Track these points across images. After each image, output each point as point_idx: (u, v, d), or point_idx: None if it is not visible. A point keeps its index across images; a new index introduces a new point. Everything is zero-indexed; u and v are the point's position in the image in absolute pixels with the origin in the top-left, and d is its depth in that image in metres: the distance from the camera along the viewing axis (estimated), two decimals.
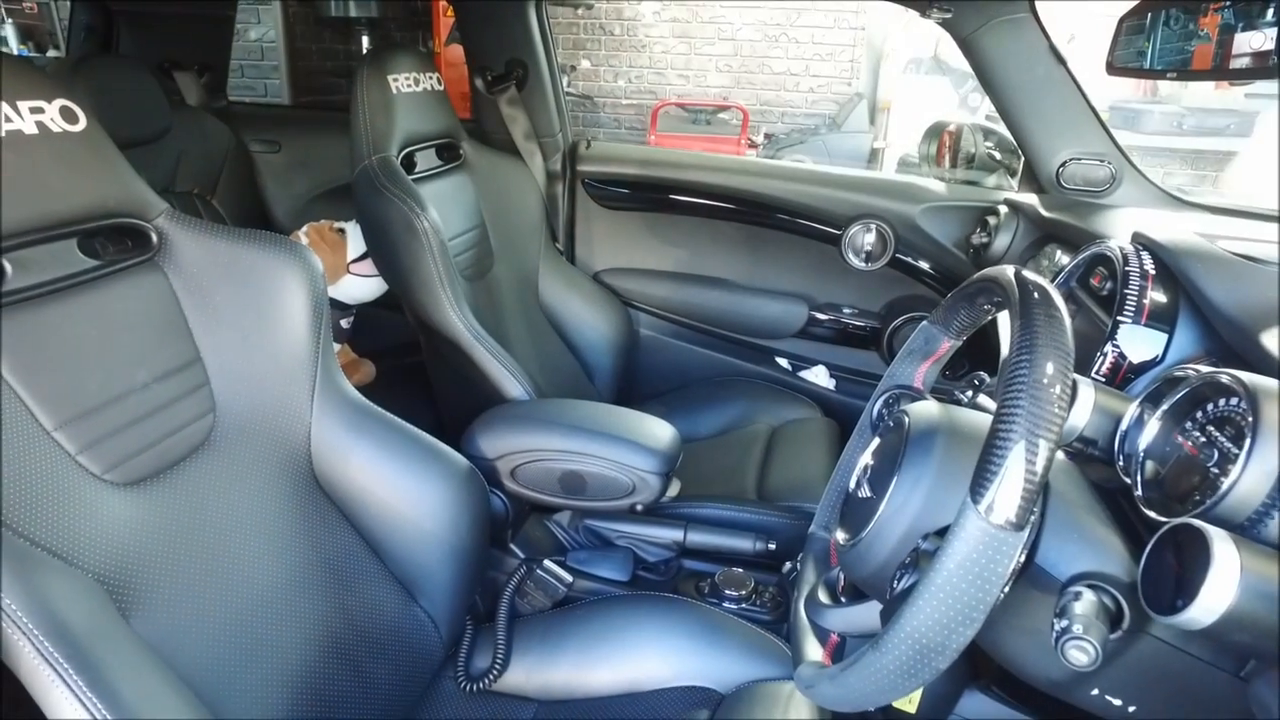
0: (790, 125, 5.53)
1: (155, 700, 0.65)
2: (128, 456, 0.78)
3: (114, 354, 0.80)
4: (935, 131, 1.96)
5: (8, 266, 0.72)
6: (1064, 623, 0.53)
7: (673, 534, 1.36)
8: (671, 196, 1.93)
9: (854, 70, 5.41)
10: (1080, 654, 0.51)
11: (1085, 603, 0.53)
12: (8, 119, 0.71)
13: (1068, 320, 0.53)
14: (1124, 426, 0.66)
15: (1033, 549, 0.58)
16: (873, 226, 1.79)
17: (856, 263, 1.82)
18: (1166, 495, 0.61)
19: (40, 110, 0.75)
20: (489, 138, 1.86)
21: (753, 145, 4.86)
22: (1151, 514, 0.60)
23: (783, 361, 1.97)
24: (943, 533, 0.52)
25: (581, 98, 5.59)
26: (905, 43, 5.19)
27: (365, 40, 4.90)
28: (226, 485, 0.87)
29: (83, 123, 0.79)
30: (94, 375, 0.77)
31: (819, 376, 1.93)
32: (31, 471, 0.69)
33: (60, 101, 0.77)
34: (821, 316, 1.92)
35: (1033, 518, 0.48)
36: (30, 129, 0.73)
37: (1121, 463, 0.66)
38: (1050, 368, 0.49)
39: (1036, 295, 0.55)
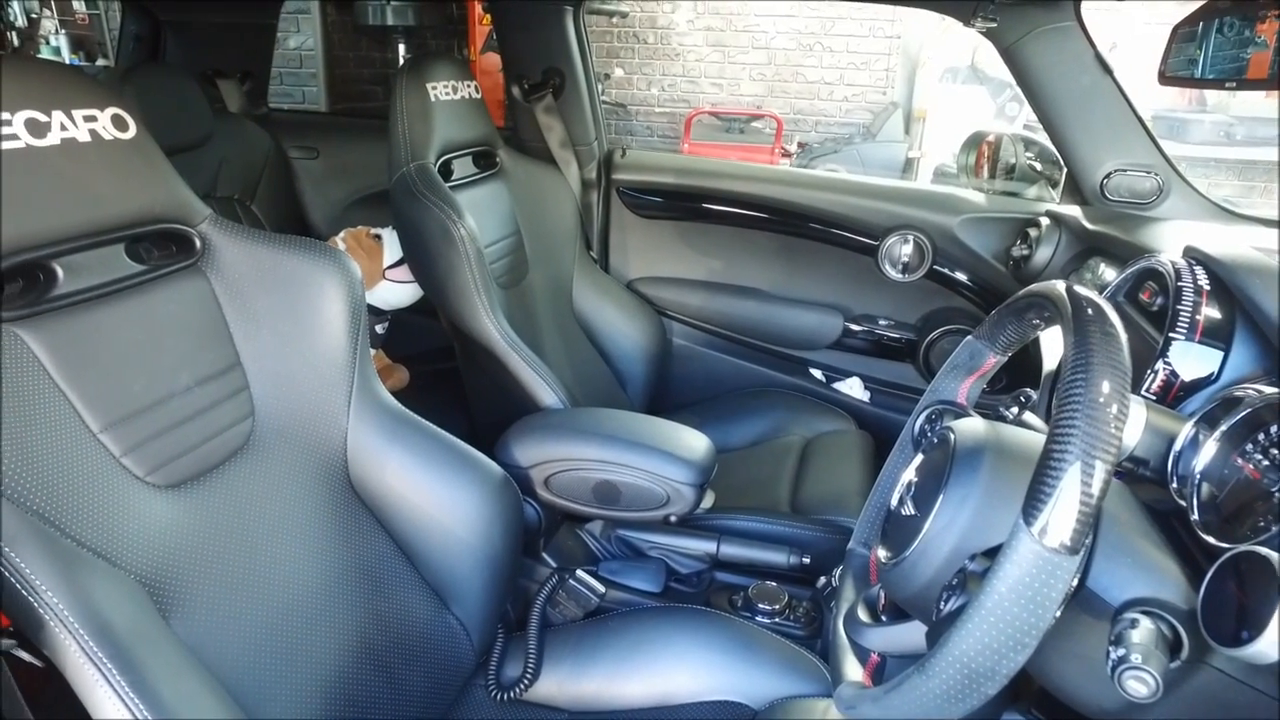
0: (824, 134, 5.49)
1: (194, 702, 0.66)
2: (169, 459, 0.79)
3: (158, 358, 0.81)
4: (974, 141, 1.93)
5: (59, 271, 0.74)
6: (1121, 651, 0.51)
7: (706, 546, 1.35)
8: (705, 205, 1.93)
9: (889, 79, 5.36)
10: (1140, 685, 0.49)
11: (1143, 630, 0.51)
12: (63, 127, 0.73)
13: (1124, 337, 0.51)
14: (1178, 447, 0.64)
15: (1084, 571, 0.57)
16: (910, 237, 1.77)
17: (893, 274, 1.80)
18: (1225, 520, 0.59)
19: (93, 118, 0.76)
20: (525, 146, 1.87)
21: (786, 154, 4.83)
22: (1209, 539, 0.58)
23: (817, 373, 1.95)
24: (991, 554, 0.50)
25: (615, 106, 5.61)
26: (941, 51, 5.14)
27: (402, 48, 4.96)
28: (264, 489, 0.88)
29: (133, 130, 0.80)
30: (139, 378, 0.78)
31: (854, 388, 1.91)
32: (78, 473, 0.70)
33: (112, 109, 0.78)
34: (856, 328, 1.90)
35: (1086, 540, 0.46)
36: (84, 136, 0.75)
37: (1175, 484, 0.63)
38: (1106, 386, 0.48)
39: (1091, 311, 0.54)
